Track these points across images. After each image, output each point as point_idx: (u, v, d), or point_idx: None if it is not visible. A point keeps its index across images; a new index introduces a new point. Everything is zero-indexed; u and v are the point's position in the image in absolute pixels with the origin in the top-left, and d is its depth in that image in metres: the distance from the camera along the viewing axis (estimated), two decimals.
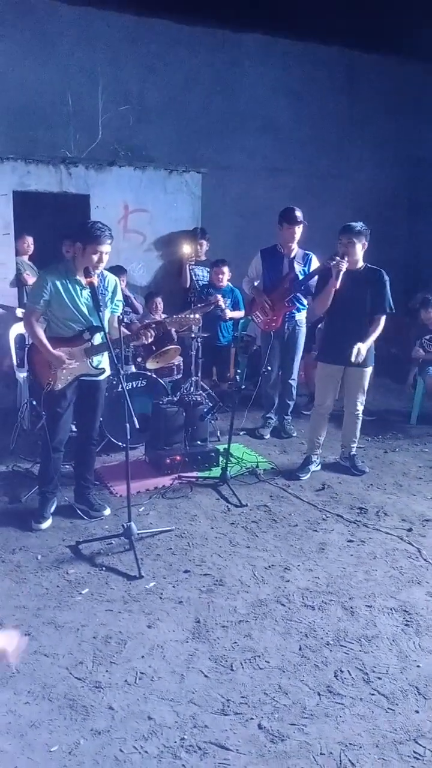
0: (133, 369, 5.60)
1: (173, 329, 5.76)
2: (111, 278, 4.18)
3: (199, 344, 5.66)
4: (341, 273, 4.65)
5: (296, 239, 5.57)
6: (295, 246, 5.61)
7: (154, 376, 5.68)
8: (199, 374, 5.79)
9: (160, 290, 7.38)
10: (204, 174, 7.98)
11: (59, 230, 7.61)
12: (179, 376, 6.13)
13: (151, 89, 7.83)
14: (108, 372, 4.24)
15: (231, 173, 8.34)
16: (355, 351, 4.63)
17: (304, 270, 5.56)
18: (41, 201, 7.17)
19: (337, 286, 4.67)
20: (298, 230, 5.52)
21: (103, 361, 4.16)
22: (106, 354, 4.11)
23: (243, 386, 5.02)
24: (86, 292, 3.95)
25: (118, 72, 7.58)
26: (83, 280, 3.90)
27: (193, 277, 6.82)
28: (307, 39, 8.40)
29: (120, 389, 3.74)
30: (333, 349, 4.89)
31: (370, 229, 4.80)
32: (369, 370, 4.96)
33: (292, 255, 5.61)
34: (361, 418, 5.13)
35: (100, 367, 4.13)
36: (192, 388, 5.73)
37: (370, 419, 6.39)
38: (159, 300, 6.86)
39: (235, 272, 6.50)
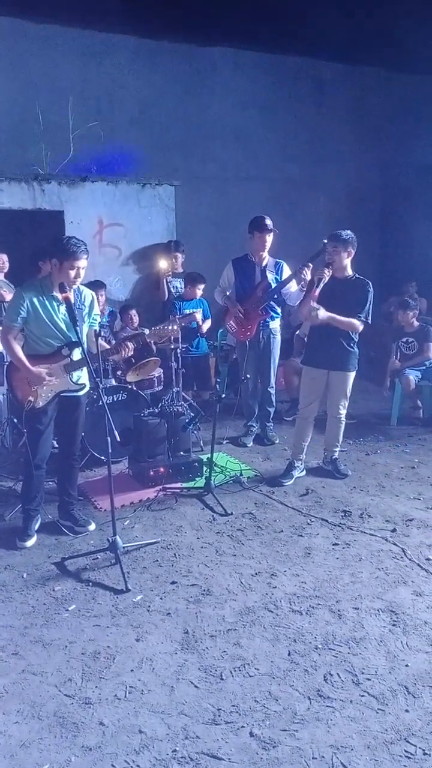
0: (113, 382, 5.60)
1: (152, 341, 5.78)
2: (87, 293, 4.18)
3: (179, 355, 5.68)
4: (323, 281, 4.68)
5: (267, 247, 5.61)
6: (266, 254, 5.65)
7: (134, 388, 5.68)
8: (180, 385, 5.81)
9: (136, 303, 7.39)
10: (177, 186, 8.03)
11: (34, 247, 7.62)
12: (160, 387, 6.14)
13: (121, 104, 7.87)
14: (88, 387, 4.24)
15: (204, 184, 8.40)
16: (314, 305, 4.62)
17: (276, 278, 5.61)
18: (15, 218, 7.16)
19: (316, 295, 4.69)
20: (269, 238, 5.56)
21: (82, 376, 4.15)
22: (85, 369, 4.11)
23: (223, 395, 5.04)
24: (63, 308, 3.93)
25: (87, 88, 7.62)
26: (60, 296, 3.90)
27: (171, 290, 6.85)
28: (274, 51, 8.51)
29: (101, 403, 3.73)
30: (317, 353, 4.98)
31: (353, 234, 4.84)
32: (352, 374, 5.01)
33: (264, 264, 5.65)
34: (343, 422, 5.17)
35: (80, 382, 4.12)
36: (173, 399, 5.74)
37: (351, 422, 6.42)
38: (134, 312, 6.88)
39: (213, 283, 6.53)
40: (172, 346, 5.67)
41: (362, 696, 2.71)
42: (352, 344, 4.92)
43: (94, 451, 5.17)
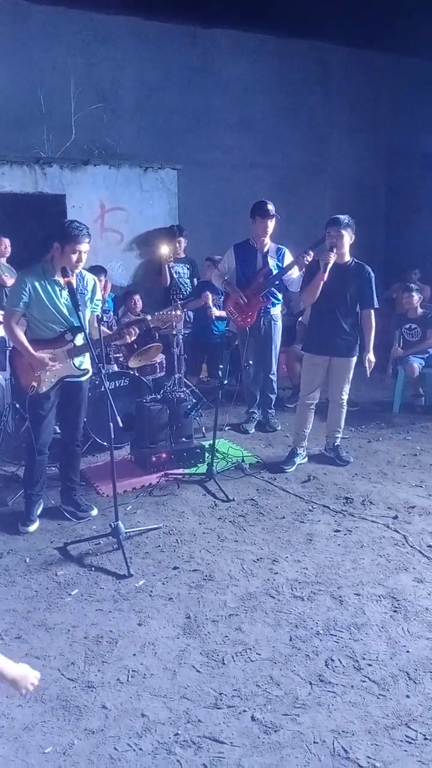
0: (115, 368, 5.59)
1: (154, 326, 5.75)
2: (89, 277, 4.16)
3: (182, 341, 5.67)
4: (329, 265, 4.68)
5: (269, 233, 5.57)
6: (268, 240, 5.61)
7: (136, 374, 5.67)
8: (183, 371, 5.80)
9: (139, 288, 7.36)
10: (180, 171, 7.97)
11: (36, 231, 7.57)
12: (162, 373, 6.13)
13: (124, 87, 7.79)
14: (90, 372, 4.23)
15: (207, 169, 8.34)
16: (367, 364, 4.92)
17: (277, 264, 5.57)
18: (17, 202, 7.12)
19: (325, 279, 4.70)
20: (271, 223, 5.53)
21: (85, 361, 4.14)
22: (88, 354, 4.10)
23: (225, 381, 5.03)
24: (65, 293, 3.92)
25: (90, 71, 7.54)
26: (62, 281, 3.88)
27: (174, 275, 6.82)
28: (279, 34, 8.40)
29: (103, 389, 3.72)
30: (318, 339, 4.98)
31: (352, 219, 4.84)
32: (354, 360, 5.01)
33: (266, 249, 5.61)
34: (345, 408, 5.17)
35: (82, 367, 4.11)
36: (175, 386, 5.73)
37: (354, 409, 6.42)
38: (137, 297, 6.85)
39: None
40: (174, 332, 5.65)
41: (363, 681, 2.72)
42: (354, 330, 4.93)
43: (97, 436, 5.17)
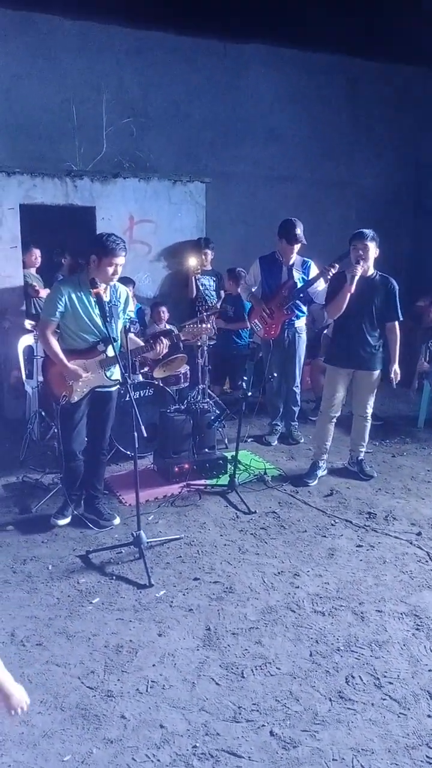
0: (140, 378, 5.63)
1: (183, 338, 5.77)
2: (122, 289, 4.22)
3: (206, 352, 5.68)
4: (356, 278, 4.68)
5: (295, 254, 5.59)
6: (294, 254, 5.63)
7: (161, 384, 5.71)
8: (207, 382, 5.81)
9: (165, 300, 7.41)
10: (208, 184, 8.02)
11: (66, 242, 7.70)
12: (186, 384, 6.16)
13: (154, 101, 7.89)
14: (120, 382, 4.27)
15: (235, 182, 8.39)
16: (393, 375, 4.88)
17: (302, 277, 5.58)
18: (47, 214, 7.24)
19: (352, 291, 4.70)
20: (296, 248, 5.54)
21: (116, 372, 4.19)
22: (119, 366, 4.14)
23: (249, 393, 5.04)
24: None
25: (121, 84, 7.65)
26: (92, 292, 3.93)
27: (200, 287, 6.85)
28: (307, 48, 8.44)
29: (128, 399, 3.76)
30: (341, 352, 4.96)
31: (376, 233, 4.84)
32: (377, 373, 4.99)
33: (291, 262, 5.63)
34: (369, 422, 5.14)
35: (114, 378, 4.15)
36: (199, 396, 5.75)
37: (378, 423, 6.39)
38: (164, 309, 6.90)
39: None
40: (199, 343, 5.68)
41: (384, 699, 2.70)
42: (378, 343, 4.92)
43: (120, 445, 5.20)
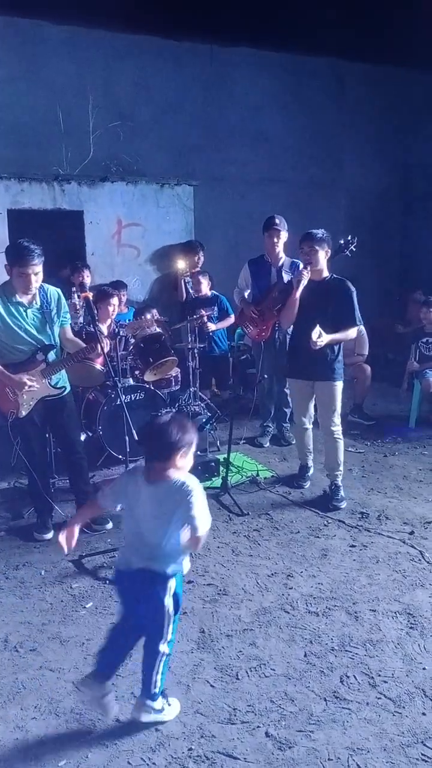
0: (131, 382, 5.62)
1: (130, 333, 5.70)
2: (52, 291, 4.02)
3: (197, 355, 5.68)
4: (302, 283, 4.43)
5: (278, 247, 5.61)
6: (282, 255, 5.64)
7: (152, 388, 5.70)
8: (197, 385, 5.81)
9: (155, 303, 7.41)
10: (196, 187, 8.04)
11: (54, 249, 7.65)
12: (177, 387, 6.15)
13: (141, 105, 7.89)
14: (69, 388, 4.17)
15: (223, 185, 8.40)
16: (315, 333, 4.23)
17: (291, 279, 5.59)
18: (35, 218, 7.22)
19: (297, 296, 4.47)
20: (279, 238, 5.55)
21: (61, 379, 4.09)
22: (63, 371, 4.05)
23: (234, 392, 5.03)
24: (31, 312, 3.88)
25: (108, 89, 7.65)
26: (24, 300, 3.83)
27: (189, 290, 6.86)
28: (295, 51, 8.48)
29: (118, 402, 3.74)
30: (298, 363, 4.67)
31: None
32: (339, 384, 4.58)
33: (280, 264, 5.64)
34: (341, 440, 4.68)
35: (59, 385, 4.06)
36: (190, 399, 5.75)
37: (369, 423, 6.42)
38: (155, 312, 6.88)
39: (229, 282, 6.53)
40: (190, 346, 5.68)
41: (379, 698, 2.70)
42: (334, 352, 4.53)
43: (112, 449, 5.19)
